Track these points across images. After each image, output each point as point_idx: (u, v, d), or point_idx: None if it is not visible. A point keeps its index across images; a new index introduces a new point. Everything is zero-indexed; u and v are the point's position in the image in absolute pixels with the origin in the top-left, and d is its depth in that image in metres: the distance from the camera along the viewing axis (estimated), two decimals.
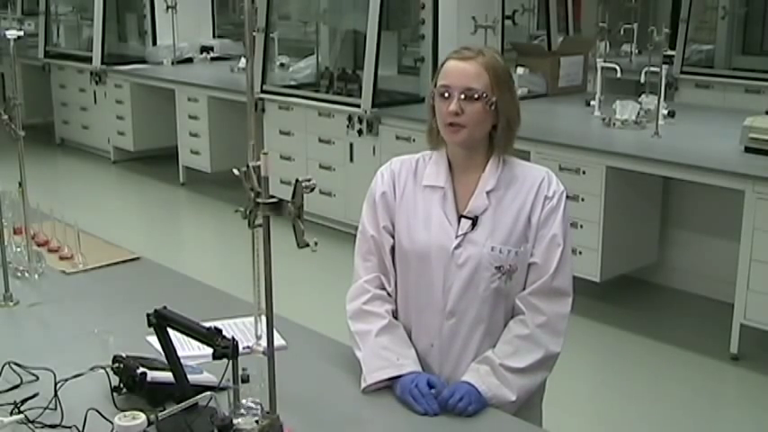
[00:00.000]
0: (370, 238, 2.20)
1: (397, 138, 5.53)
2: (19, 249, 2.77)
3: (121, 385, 1.95)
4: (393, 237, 2.19)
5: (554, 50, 6.68)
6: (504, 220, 2.11)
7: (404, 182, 2.20)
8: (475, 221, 2.12)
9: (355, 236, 2.26)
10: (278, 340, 1.98)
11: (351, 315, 2.17)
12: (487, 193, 2.13)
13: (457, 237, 2.12)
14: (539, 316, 2.09)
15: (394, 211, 2.19)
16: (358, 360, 2.10)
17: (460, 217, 2.13)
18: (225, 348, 1.75)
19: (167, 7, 8.03)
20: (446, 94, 2.09)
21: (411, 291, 2.18)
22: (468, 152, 2.15)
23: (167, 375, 1.88)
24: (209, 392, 1.78)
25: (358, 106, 5.74)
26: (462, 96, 2.07)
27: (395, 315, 2.19)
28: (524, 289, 2.13)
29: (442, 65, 2.15)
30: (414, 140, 5.35)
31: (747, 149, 4.29)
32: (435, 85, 2.13)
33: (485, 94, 2.07)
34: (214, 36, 8.87)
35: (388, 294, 2.19)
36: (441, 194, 2.15)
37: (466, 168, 2.16)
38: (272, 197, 1.55)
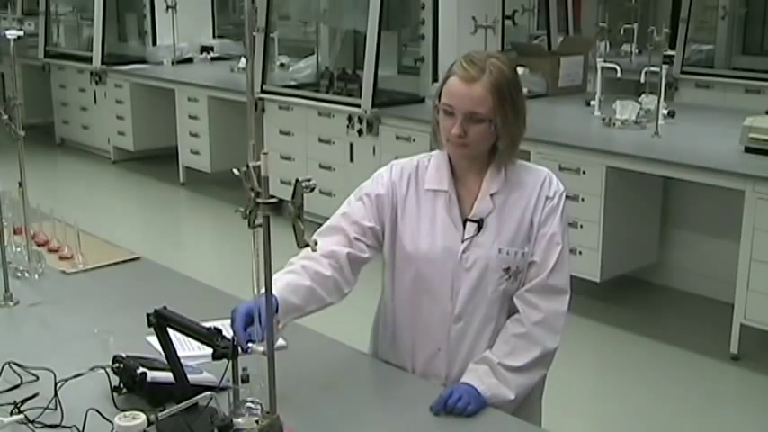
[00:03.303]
0: (341, 217, 2.18)
1: (397, 138, 5.53)
2: (19, 249, 2.77)
3: (121, 385, 1.95)
4: (369, 246, 2.15)
5: (554, 50, 6.68)
6: (509, 222, 2.11)
7: (405, 188, 2.17)
8: (480, 224, 2.11)
9: None
10: (278, 340, 1.98)
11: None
12: (491, 195, 2.12)
13: (463, 241, 2.11)
14: (536, 313, 2.09)
15: (384, 217, 2.16)
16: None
17: (465, 220, 2.13)
18: (225, 348, 1.75)
19: (167, 7, 8.03)
20: (449, 112, 2.06)
21: (416, 297, 2.17)
22: (470, 160, 2.14)
23: (167, 375, 1.88)
24: (209, 392, 1.78)
25: (358, 106, 5.74)
26: (466, 117, 2.04)
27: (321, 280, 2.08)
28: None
29: (446, 79, 2.08)
30: (414, 140, 5.35)
31: (747, 149, 4.29)
32: (439, 98, 2.09)
33: (488, 119, 2.04)
34: (214, 36, 8.87)
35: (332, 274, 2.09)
36: (444, 198, 2.14)
37: (468, 171, 2.15)
38: (272, 197, 1.54)
